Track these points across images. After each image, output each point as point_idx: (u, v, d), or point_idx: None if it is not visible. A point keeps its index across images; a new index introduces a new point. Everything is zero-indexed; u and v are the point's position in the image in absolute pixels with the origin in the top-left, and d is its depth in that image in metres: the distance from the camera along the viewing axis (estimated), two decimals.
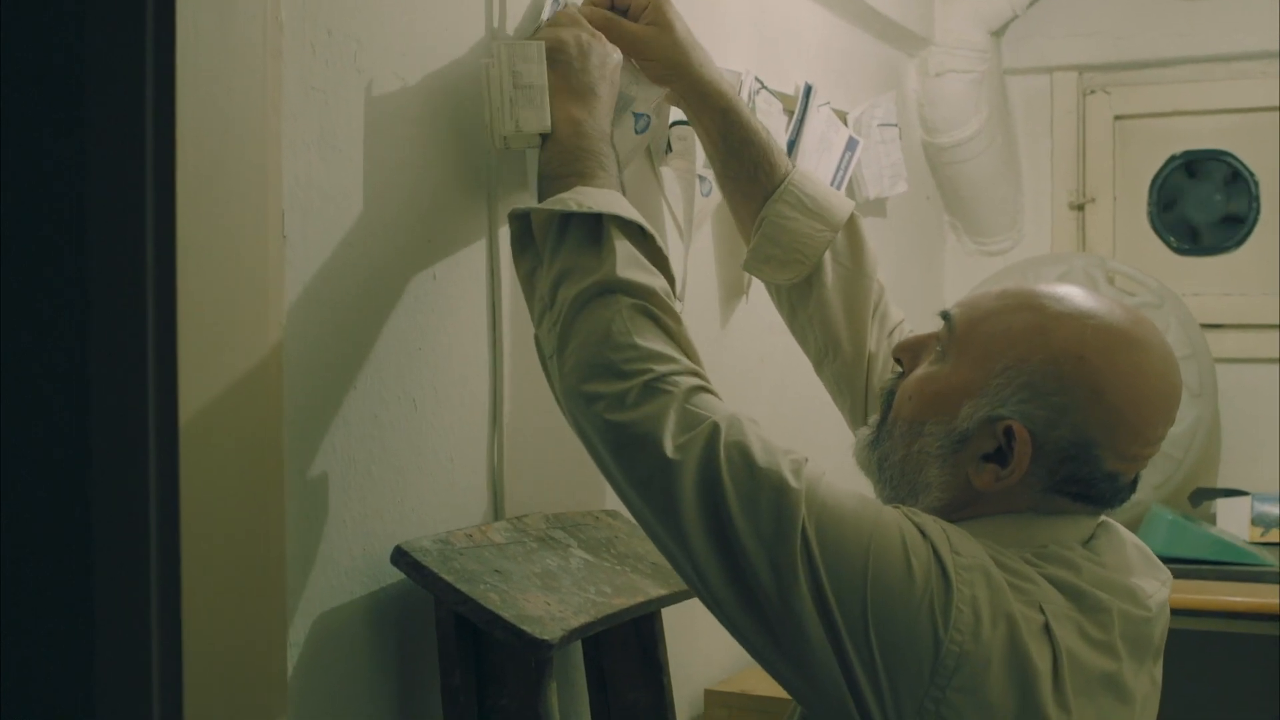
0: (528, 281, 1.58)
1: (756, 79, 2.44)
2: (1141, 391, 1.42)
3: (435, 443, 1.74)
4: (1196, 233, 3.64)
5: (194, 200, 1.29)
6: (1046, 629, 1.35)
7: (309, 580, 1.55)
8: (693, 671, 2.37)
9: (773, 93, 2.51)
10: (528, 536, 1.79)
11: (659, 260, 1.54)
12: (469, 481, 1.81)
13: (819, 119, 2.71)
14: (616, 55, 1.75)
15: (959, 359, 1.48)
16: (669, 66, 1.85)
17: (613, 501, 2.09)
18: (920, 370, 1.52)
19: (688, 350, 1.48)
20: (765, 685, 2.40)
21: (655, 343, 1.44)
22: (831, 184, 2.78)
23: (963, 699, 1.31)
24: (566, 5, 1.82)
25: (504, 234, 1.83)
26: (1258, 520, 3.25)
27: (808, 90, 2.68)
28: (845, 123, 2.88)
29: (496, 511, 1.85)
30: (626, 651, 1.92)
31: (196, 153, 1.29)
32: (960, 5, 3.39)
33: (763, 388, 2.61)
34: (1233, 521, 3.24)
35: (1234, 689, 3.12)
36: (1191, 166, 3.63)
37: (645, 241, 1.53)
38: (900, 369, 1.58)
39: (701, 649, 2.41)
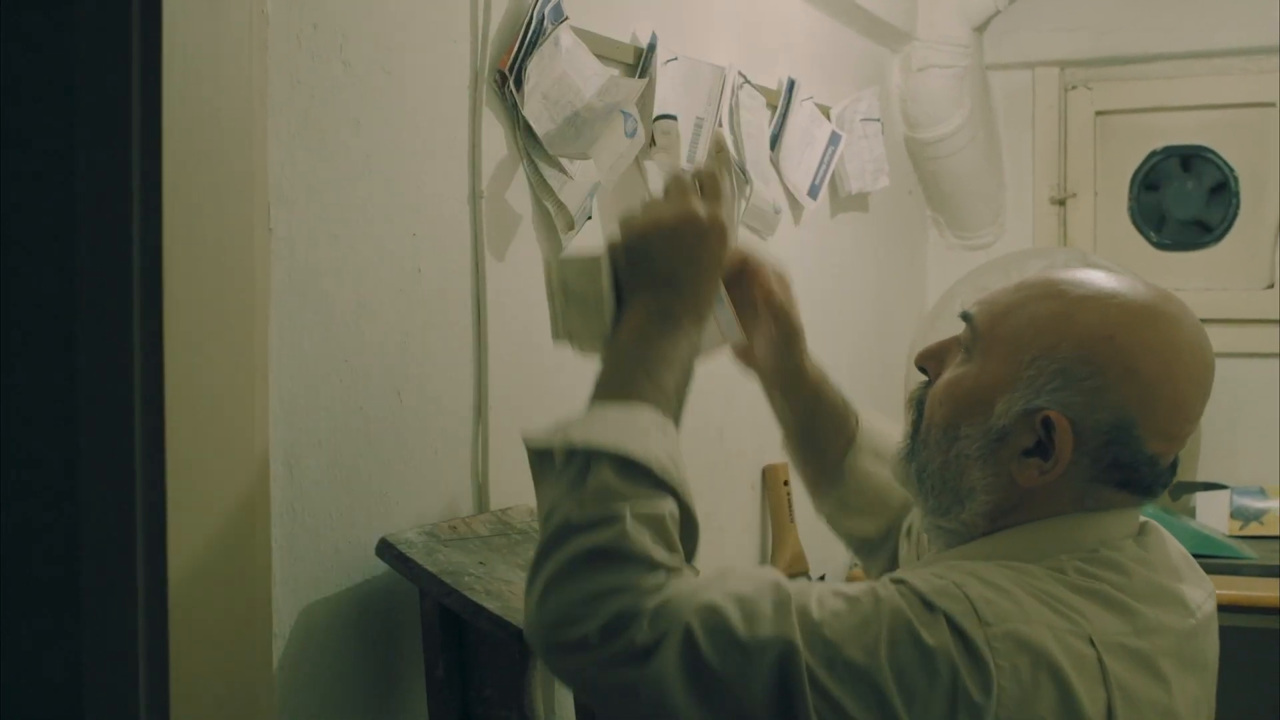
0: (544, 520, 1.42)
1: (740, 73, 2.45)
2: (1175, 366, 1.40)
3: (420, 435, 1.75)
4: (1177, 228, 3.66)
5: (180, 193, 1.30)
6: (1100, 665, 1.31)
7: (294, 572, 1.56)
8: None
9: (756, 87, 2.52)
10: (512, 529, 1.79)
11: (667, 483, 1.38)
12: (453, 474, 1.81)
13: (802, 114, 2.72)
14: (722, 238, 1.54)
15: (986, 356, 1.44)
16: (796, 330, 1.75)
17: None
18: (947, 374, 1.48)
19: (648, 559, 1.33)
20: None
21: (607, 576, 1.31)
22: (814, 179, 2.79)
23: None
24: (678, 172, 1.58)
25: (487, 229, 1.84)
26: (1237, 514, 3.27)
27: (791, 85, 2.69)
28: (828, 117, 2.89)
29: (481, 504, 1.86)
30: None
31: (182, 146, 1.30)
32: (943, 1, 3.40)
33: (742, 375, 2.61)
34: (1212, 515, 3.26)
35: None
36: (1171, 163, 3.64)
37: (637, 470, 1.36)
38: (926, 377, 1.53)
39: None
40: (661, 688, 1.28)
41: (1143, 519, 1.48)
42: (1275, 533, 3.19)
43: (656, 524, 1.35)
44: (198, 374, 1.35)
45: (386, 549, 1.61)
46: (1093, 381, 1.38)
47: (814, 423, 1.79)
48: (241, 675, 1.44)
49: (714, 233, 1.51)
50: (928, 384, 1.51)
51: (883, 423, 1.83)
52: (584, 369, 2.08)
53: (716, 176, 1.55)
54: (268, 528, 1.49)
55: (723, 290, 1.62)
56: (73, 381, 1.29)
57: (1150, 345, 1.39)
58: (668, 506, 1.36)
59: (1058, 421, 1.38)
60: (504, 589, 1.62)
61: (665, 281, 1.48)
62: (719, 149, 2.40)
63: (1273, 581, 2.87)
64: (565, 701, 2.01)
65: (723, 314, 1.65)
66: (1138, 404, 1.38)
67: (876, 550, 1.83)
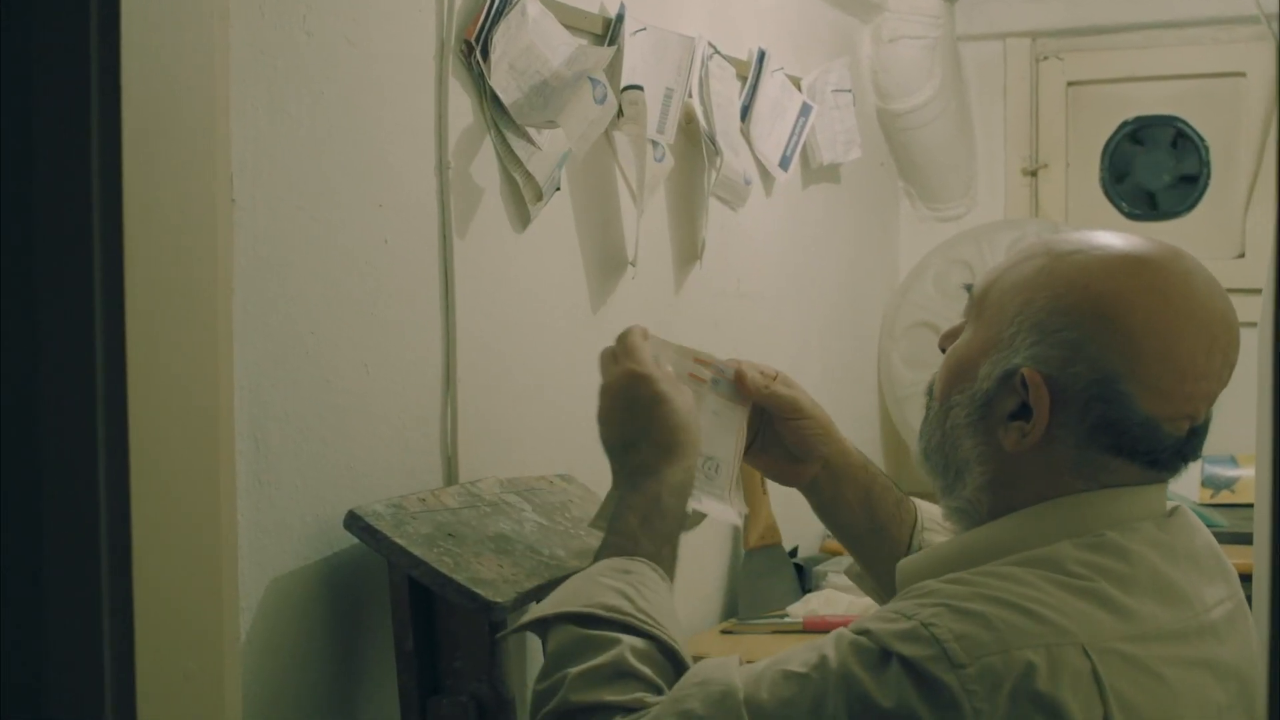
0: None
1: (710, 44, 2.44)
2: (1163, 313, 1.29)
3: (388, 407, 1.74)
4: (1148, 198, 3.66)
5: (140, 165, 1.28)
6: (1095, 677, 1.22)
7: (261, 545, 1.55)
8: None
9: (726, 58, 2.51)
10: (481, 501, 1.79)
11: (619, 623, 1.38)
12: (422, 446, 1.81)
13: (772, 85, 2.72)
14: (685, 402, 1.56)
15: (976, 323, 1.39)
16: (822, 424, 1.68)
17: (566, 466, 2.09)
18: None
19: (607, 694, 1.33)
20: (719, 649, 2.42)
21: None
22: (785, 150, 2.79)
23: None
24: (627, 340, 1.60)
25: (454, 199, 1.83)
26: (1208, 482, 3.28)
27: (761, 56, 2.68)
28: (799, 88, 2.88)
29: (450, 476, 1.85)
30: None
31: (142, 116, 1.29)
32: None
33: (716, 351, 2.61)
34: (1184, 483, 3.25)
35: None
36: (1140, 133, 3.65)
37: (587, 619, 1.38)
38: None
39: None
40: None
41: (1174, 504, 1.38)
42: (1246, 500, 3.20)
43: (606, 669, 1.34)
44: (160, 347, 1.33)
45: (354, 521, 1.60)
46: (1068, 333, 1.29)
47: (877, 510, 1.70)
48: (208, 649, 1.44)
49: (630, 385, 1.53)
50: None
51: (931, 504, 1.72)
52: (552, 339, 2.08)
53: (624, 335, 1.57)
54: (233, 501, 1.48)
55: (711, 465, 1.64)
56: (33, 355, 1.27)
57: (1132, 291, 1.29)
58: (626, 644, 1.35)
59: (1030, 378, 1.30)
60: (473, 561, 1.62)
61: (620, 450, 1.53)
62: (689, 119, 2.39)
63: (1245, 549, 2.87)
64: (535, 673, 2.01)
65: (719, 389, 1.66)
66: (1120, 356, 1.28)
67: None
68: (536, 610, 1.42)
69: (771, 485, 2.74)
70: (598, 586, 1.40)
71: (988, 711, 1.19)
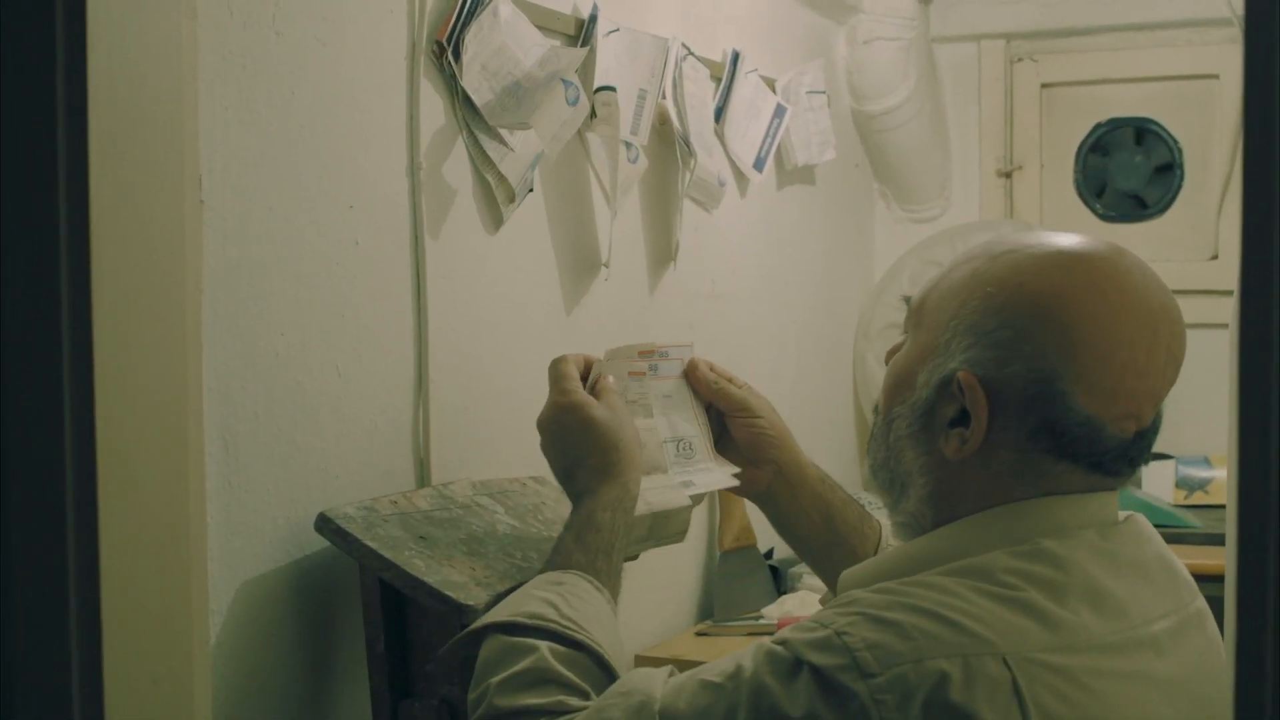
0: None
1: (684, 45, 2.44)
2: (1098, 307, 1.25)
3: (359, 409, 1.73)
4: (1128, 200, 3.67)
5: (107, 165, 1.28)
6: (1014, 687, 1.18)
7: (232, 548, 1.54)
8: (623, 637, 2.37)
9: (700, 59, 2.51)
10: (453, 503, 1.78)
11: (543, 630, 1.40)
12: (394, 448, 1.80)
13: (747, 86, 2.72)
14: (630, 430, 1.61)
15: (915, 333, 1.36)
16: (775, 428, 1.71)
17: (539, 468, 2.09)
18: None
19: (528, 698, 1.35)
20: (696, 651, 2.41)
21: None
22: (759, 151, 2.78)
23: None
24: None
25: (426, 200, 1.82)
26: (1182, 483, 3.29)
27: (735, 57, 2.68)
28: (773, 90, 2.88)
29: (422, 478, 1.84)
30: None
31: (109, 116, 1.28)
32: None
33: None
34: (1157, 485, 3.28)
35: None
36: (1103, 140, 3.65)
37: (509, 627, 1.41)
38: None
39: (630, 615, 2.41)
40: None
41: (1128, 513, 1.35)
42: (1220, 501, 3.21)
43: (526, 674, 1.36)
44: (129, 349, 1.33)
45: (325, 524, 1.59)
46: (1002, 333, 1.26)
47: (836, 521, 1.71)
48: (178, 652, 1.43)
49: (559, 415, 1.58)
50: None
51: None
52: (525, 341, 2.07)
53: (552, 366, 1.62)
54: (203, 504, 1.47)
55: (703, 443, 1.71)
56: None
57: (1067, 287, 1.26)
58: (545, 648, 1.37)
59: (966, 379, 1.26)
60: (444, 564, 1.61)
61: (563, 477, 1.59)
62: (662, 121, 2.39)
63: (1218, 550, 2.88)
64: None
65: (659, 372, 1.71)
66: (1057, 352, 1.24)
67: None
68: (471, 626, 1.44)
69: None
70: (527, 598, 1.43)
71: None
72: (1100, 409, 1.25)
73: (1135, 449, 1.30)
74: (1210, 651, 1.34)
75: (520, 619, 1.40)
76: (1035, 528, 1.27)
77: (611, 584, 1.51)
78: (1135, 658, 1.25)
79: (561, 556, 1.51)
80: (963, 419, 1.28)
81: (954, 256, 1.39)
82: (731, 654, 1.29)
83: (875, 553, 1.67)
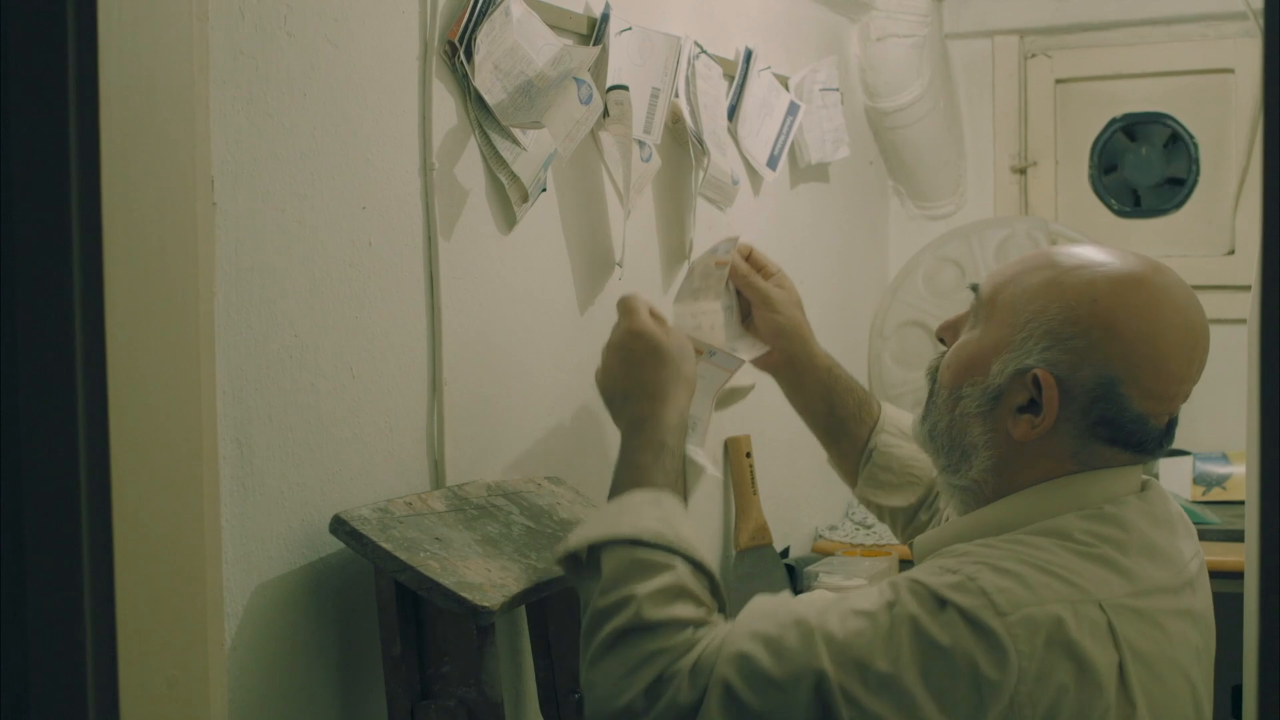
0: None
1: (696, 43, 2.43)
2: (1156, 326, 1.52)
3: (374, 411, 1.73)
4: (1137, 195, 3.66)
5: (119, 168, 1.27)
6: (1110, 628, 1.44)
7: (246, 551, 1.54)
8: None
9: (713, 57, 2.51)
10: (468, 504, 1.78)
11: (666, 546, 1.56)
12: (409, 450, 1.80)
13: (760, 84, 2.71)
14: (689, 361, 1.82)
15: (987, 323, 1.60)
16: (792, 323, 2.08)
17: (554, 468, 2.08)
18: (957, 342, 1.65)
19: (670, 620, 1.50)
20: None
21: (639, 648, 1.49)
22: (773, 149, 2.78)
23: None
24: (630, 301, 1.84)
25: (439, 200, 1.82)
26: (1199, 480, 3.28)
27: (748, 55, 2.67)
28: (787, 88, 2.88)
29: (437, 479, 1.84)
30: (571, 618, 1.92)
31: (121, 118, 1.28)
32: None
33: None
34: (1175, 481, 3.27)
35: None
36: (1131, 130, 3.64)
37: (637, 543, 1.57)
38: (944, 347, 1.69)
39: None
40: None
41: (1147, 478, 1.62)
42: (1238, 498, 3.20)
43: (672, 589, 1.53)
44: (142, 352, 1.32)
45: (340, 526, 1.59)
46: (1077, 341, 1.52)
47: (836, 406, 2.06)
48: (193, 656, 1.42)
49: (628, 340, 1.79)
50: (944, 354, 1.68)
51: (902, 411, 2.09)
52: (539, 340, 2.07)
53: (624, 300, 1.84)
54: (217, 506, 1.47)
55: (741, 326, 2.07)
56: (11, 361, 1.26)
57: (1131, 308, 1.52)
58: (678, 568, 1.55)
59: (1044, 379, 1.53)
60: (459, 565, 1.61)
61: (619, 401, 1.77)
62: (675, 119, 2.38)
63: (1236, 546, 2.87)
64: (526, 677, 2.00)
65: (745, 340, 2.07)
66: (1120, 362, 1.51)
67: (909, 524, 2.05)
68: (583, 535, 1.59)
69: (762, 487, 2.73)
70: (637, 515, 1.59)
71: (1028, 654, 1.39)
72: (1149, 407, 1.54)
73: (1166, 435, 1.58)
74: (1209, 583, 1.63)
75: (645, 537, 1.56)
76: (1094, 495, 1.55)
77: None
78: (1183, 597, 1.54)
79: (641, 474, 1.66)
80: (1030, 406, 1.55)
81: (1018, 257, 1.65)
82: (866, 590, 1.51)
83: (869, 437, 2.04)
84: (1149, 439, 1.56)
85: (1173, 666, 1.49)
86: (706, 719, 1.44)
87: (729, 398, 2.06)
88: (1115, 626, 1.44)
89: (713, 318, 2.02)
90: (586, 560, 1.59)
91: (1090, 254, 1.58)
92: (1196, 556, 1.60)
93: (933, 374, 1.68)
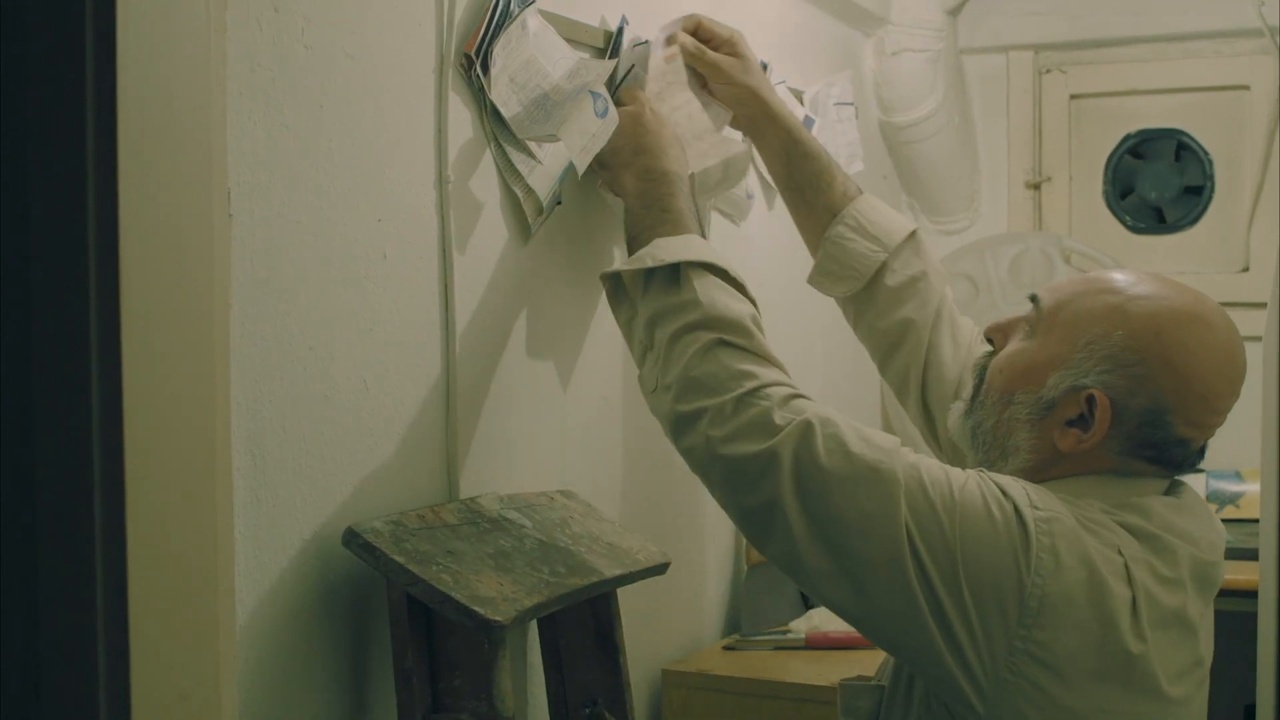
0: (627, 328, 1.81)
1: None
2: (1210, 365, 1.60)
3: (387, 424, 1.73)
4: (1152, 211, 3.65)
5: (136, 179, 1.27)
6: (1125, 569, 1.53)
7: (259, 562, 1.54)
8: (650, 652, 2.37)
9: None
10: (481, 517, 1.78)
11: (739, 286, 1.76)
12: (422, 463, 1.79)
13: None
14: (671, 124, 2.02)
15: (1046, 335, 1.66)
16: (745, 90, 2.14)
17: (567, 482, 2.08)
18: (1010, 347, 1.71)
19: (774, 364, 1.68)
20: (723, 665, 2.40)
21: (744, 364, 1.65)
22: None
23: (1048, 635, 1.50)
24: (628, 82, 2.11)
25: (454, 213, 1.82)
26: (1213, 497, 3.26)
27: (763, 68, 2.67)
28: (801, 101, 2.87)
29: (450, 493, 1.84)
30: (582, 632, 1.92)
31: (139, 130, 1.28)
32: None
33: None
34: None
35: None
36: (1137, 150, 3.63)
37: (722, 274, 1.75)
38: (991, 348, 1.76)
39: (659, 629, 2.40)
40: (773, 466, 1.56)
41: (1175, 479, 1.70)
42: (1252, 516, 3.19)
43: (758, 325, 1.71)
44: (157, 364, 1.32)
45: (353, 538, 1.59)
46: (1137, 369, 1.59)
47: (795, 171, 2.15)
48: (205, 668, 1.42)
49: (640, 110, 1.98)
50: (991, 354, 1.75)
51: (879, 208, 2.16)
52: (551, 355, 2.07)
53: (628, 89, 2.05)
54: (230, 518, 1.46)
55: (703, 92, 2.15)
56: (28, 372, 1.26)
57: (1190, 345, 1.60)
58: (749, 306, 1.73)
59: (1100, 399, 1.60)
60: (472, 578, 1.61)
61: (631, 154, 1.92)
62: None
63: (1250, 565, 2.85)
64: (538, 691, 2.00)
65: (711, 108, 2.15)
66: (1173, 394, 1.59)
67: (856, 319, 2.19)
68: (678, 254, 1.75)
69: None
70: (705, 249, 1.78)
71: (1047, 546, 1.50)
72: (1192, 434, 1.63)
73: (1199, 456, 1.67)
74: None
75: (727, 269, 1.76)
76: (1119, 494, 1.62)
77: None
78: (1207, 571, 1.64)
79: (689, 221, 1.84)
80: (1079, 421, 1.62)
81: (1081, 276, 1.72)
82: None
83: (829, 225, 2.13)
84: (1186, 460, 1.65)
85: (1181, 622, 1.58)
86: (779, 446, 1.56)
87: (734, 172, 2.20)
88: (1131, 570, 1.53)
89: (688, 107, 2.11)
90: (635, 287, 1.76)
91: (1151, 284, 1.65)
92: (1218, 545, 1.70)
93: (980, 372, 1.75)
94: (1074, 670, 1.51)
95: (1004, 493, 1.55)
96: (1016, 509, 1.53)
